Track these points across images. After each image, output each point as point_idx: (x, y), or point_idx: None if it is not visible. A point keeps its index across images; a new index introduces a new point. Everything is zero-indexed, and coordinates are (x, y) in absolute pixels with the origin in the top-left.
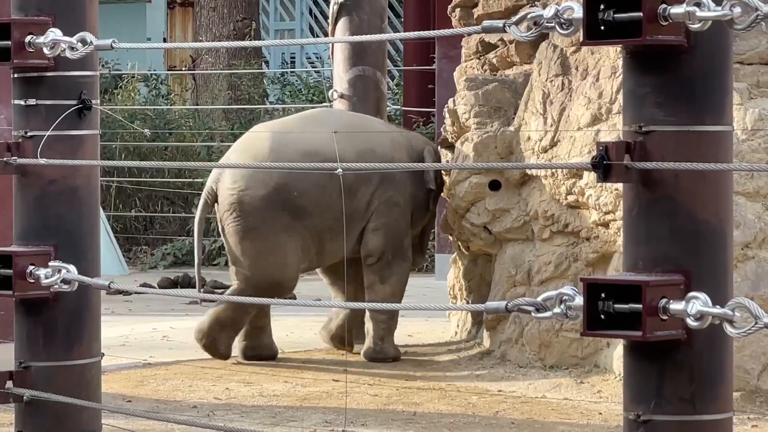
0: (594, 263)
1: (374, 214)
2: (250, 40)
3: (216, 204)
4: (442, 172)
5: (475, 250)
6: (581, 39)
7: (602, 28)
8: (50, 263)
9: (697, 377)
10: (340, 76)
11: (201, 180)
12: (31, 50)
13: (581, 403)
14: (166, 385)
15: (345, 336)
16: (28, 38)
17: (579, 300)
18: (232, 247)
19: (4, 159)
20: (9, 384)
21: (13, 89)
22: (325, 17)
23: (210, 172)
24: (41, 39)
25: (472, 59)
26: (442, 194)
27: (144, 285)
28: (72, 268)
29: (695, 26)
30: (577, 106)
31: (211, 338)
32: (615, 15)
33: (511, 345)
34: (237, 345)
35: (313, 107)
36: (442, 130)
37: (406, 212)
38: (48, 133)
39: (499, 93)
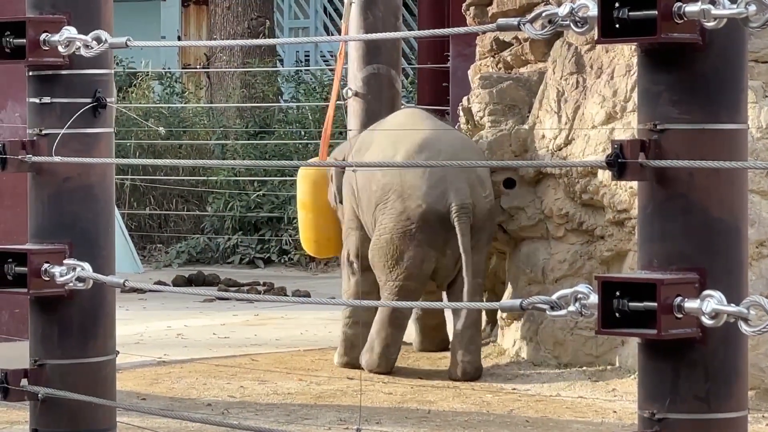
0: (608, 261)
1: None
2: (265, 38)
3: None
4: None
5: (490, 248)
6: (596, 37)
7: (617, 26)
8: (65, 261)
9: (712, 375)
10: (355, 74)
11: (215, 178)
12: (46, 48)
13: (596, 402)
14: (180, 383)
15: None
16: (43, 36)
17: (594, 298)
18: (482, 260)
19: (20, 157)
20: (24, 382)
21: (28, 87)
22: (340, 15)
23: (223, 170)
24: (56, 37)
25: (486, 57)
26: None
27: (158, 283)
28: (87, 266)
29: (710, 24)
30: (592, 104)
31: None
32: (630, 13)
33: (526, 343)
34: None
35: (327, 105)
36: (456, 128)
37: None
38: (63, 131)
39: (514, 91)
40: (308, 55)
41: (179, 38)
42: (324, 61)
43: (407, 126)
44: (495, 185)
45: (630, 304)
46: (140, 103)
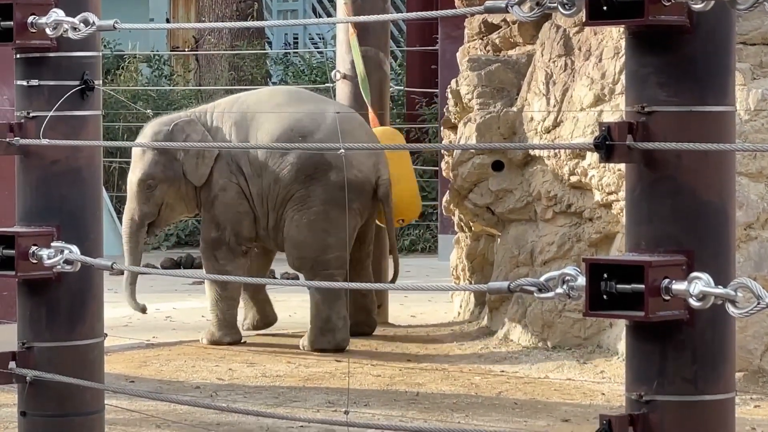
0: (596, 243)
1: None
2: (253, 20)
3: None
4: (443, 152)
5: (478, 230)
6: (584, 19)
7: (605, 8)
8: (53, 244)
9: (700, 357)
10: (343, 57)
11: None
12: (34, 31)
13: (584, 384)
14: (169, 366)
15: None
16: (30, 19)
17: (581, 280)
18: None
19: (7, 140)
20: (12, 364)
21: (15, 70)
22: None
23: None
24: (43, 19)
25: (474, 40)
26: (445, 174)
27: (147, 265)
28: (75, 248)
29: (698, 6)
30: (580, 87)
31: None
32: None
33: (514, 325)
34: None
35: (317, 87)
36: (444, 110)
37: None
38: (50, 113)
39: (502, 73)
40: (297, 38)
41: (168, 21)
42: (312, 43)
43: (292, 102)
44: (484, 167)
45: (618, 286)
46: (128, 86)
